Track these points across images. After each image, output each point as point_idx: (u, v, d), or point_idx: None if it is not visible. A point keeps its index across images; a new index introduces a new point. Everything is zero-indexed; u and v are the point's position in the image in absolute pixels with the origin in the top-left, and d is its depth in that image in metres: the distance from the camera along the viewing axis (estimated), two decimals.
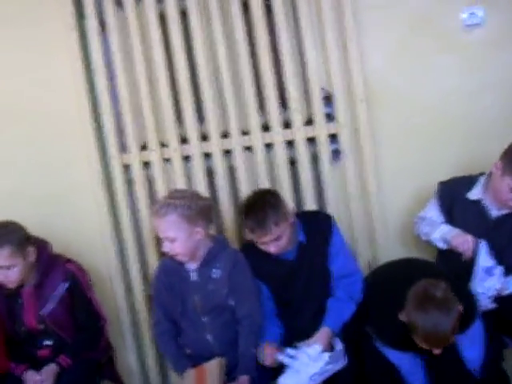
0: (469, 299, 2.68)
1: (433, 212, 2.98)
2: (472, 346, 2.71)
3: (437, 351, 2.50)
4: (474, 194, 2.91)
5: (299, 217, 2.96)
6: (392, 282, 2.79)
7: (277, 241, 2.80)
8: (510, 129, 3.07)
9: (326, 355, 2.72)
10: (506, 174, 2.77)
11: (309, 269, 2.90)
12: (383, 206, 3.20)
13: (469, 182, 2.94)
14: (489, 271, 2.80)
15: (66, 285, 2.96)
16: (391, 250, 3.20)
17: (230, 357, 2.81)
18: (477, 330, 2.69)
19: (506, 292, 2.82)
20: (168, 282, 2.91)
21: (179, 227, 2.76)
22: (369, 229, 3.22)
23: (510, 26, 3.09)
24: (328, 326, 2.82)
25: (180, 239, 2.77)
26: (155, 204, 2.94)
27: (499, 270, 2.80)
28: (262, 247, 2.84)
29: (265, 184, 3.20)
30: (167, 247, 2.81)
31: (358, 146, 3.16)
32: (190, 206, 2.77)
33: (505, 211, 2.88)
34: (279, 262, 2.90)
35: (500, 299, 2.82)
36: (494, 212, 2.89)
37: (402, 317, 2.54)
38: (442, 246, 2.92)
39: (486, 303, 2.78)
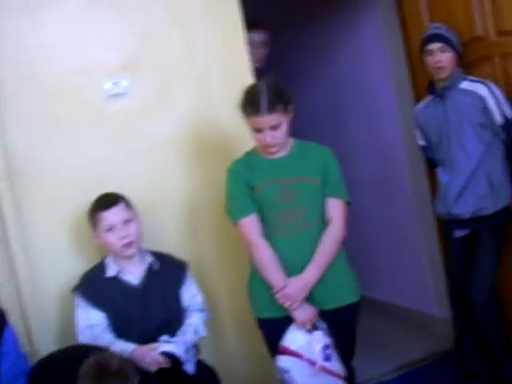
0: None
1: (89, 316, 2.78)
2: None
3: None
4: (110, 272, 2.82)
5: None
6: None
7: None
8: (157, 198, 3.03)
9: None
10: (94, 231, 2.84)
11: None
12: (37, 294, 2.93)
13: (99, 267, 2.85)
14: None
15: None
16: (47, 335, 2.95)
17: None
18: None
19: None
20: None
21: None
22: (23, 320, 2.91)
23: (152, 97, 3.09)
24: None
25: None
26: None
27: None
28: None
29: None
30: None
31: (3, 228, 2.88)
32: None
33: (142, 275, 2.83)
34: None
35: None
36: (135, 281, 2.83)
37: None
38: None
39: None
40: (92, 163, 3.02)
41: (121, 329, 2.78)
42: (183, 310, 2.88)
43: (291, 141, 2.79)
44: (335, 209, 2.76)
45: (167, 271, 2.87)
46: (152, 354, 2.64)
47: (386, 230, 4.49)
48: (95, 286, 2.80)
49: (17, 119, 2.94)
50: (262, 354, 2.92)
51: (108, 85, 3.03)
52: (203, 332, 2.88)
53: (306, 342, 2.69)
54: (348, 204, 2.80)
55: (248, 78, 3.11)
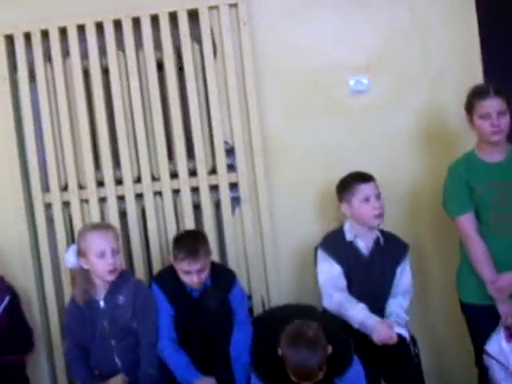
0: (343, 343, 2.91)
1: (332, 268, 3.18)
2: None
3: None
4: (348, 236, 3.23)
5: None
6: (273, 323, 3.07)
7: (201, 272, 3.09)
8: (384, 183, 3.40)
9: None
10: (343, 200, 3.20)
11: (211, 310, 3.17)
12: (276, 249, 3.55)
13: (339, 230, 3.26)
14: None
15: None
16: (282, 286, 3.56)
17: (136, 376, 3.10)
18: (355, 374, 2.92)
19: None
20: (79, 312, 3.18)
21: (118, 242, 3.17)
22: (263, 268, 3.55)
23: (391, 94, 3.48)
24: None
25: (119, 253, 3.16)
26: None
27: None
28: (186, 279, 3.11)
29: (172, 226, 3.54)
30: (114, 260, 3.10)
31: (256, 194, 3.52)
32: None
33: (370, 246, 3.21)
34: (186, 295, 3.17)
35: None
36: (365, 250, 3.21)
37: (279, 352, 2.81)
38: (356, 326, 3.05)
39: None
40: (330, 148, 3.51)
41: None
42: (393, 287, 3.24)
43: (506, 146, 3.02)
44: None
45: (390, 248, 3.24)
46: (390, 332, 2.96)
47: None
48: (336, 244, 3.23)
49: (273, 106, 3.54)
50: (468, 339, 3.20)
51: (352, 82, 3.49)
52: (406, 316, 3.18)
53: (503, 348, 2.92)
54: None
55: (480, 81, 3.32)
